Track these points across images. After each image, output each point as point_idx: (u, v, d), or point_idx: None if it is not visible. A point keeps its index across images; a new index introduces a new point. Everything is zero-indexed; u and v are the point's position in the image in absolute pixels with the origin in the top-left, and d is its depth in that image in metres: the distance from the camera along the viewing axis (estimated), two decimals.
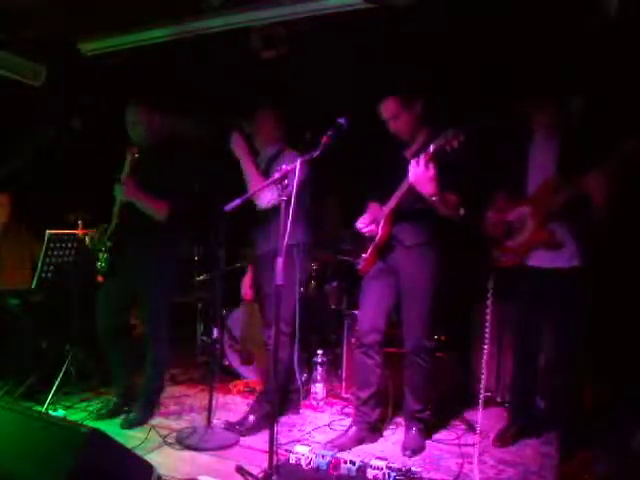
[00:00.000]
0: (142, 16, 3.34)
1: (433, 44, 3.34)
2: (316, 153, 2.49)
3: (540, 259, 2.72)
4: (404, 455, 2.81)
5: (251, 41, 3.45)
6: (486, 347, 2.90)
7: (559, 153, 2.68)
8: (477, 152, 2.80)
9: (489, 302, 2.85)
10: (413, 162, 2.55)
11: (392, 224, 2.81)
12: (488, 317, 2.86)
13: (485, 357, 2.91)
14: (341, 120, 2.52)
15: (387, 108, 2.78)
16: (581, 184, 2.48)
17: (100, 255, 3.16)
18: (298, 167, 2.46)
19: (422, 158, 2.52)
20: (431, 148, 2.50)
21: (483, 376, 2.89)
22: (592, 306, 2.66)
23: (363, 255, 2.91)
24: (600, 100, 2.97)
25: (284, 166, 2.54)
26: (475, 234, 3.12)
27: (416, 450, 2.84)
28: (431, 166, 2.51)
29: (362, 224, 2.89)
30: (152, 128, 3.17)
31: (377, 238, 2.82)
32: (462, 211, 2.72)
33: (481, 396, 2.87)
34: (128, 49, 3.61)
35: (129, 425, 3.07)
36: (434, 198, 2.56)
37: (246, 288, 3.56)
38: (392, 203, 2.76)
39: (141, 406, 3.18)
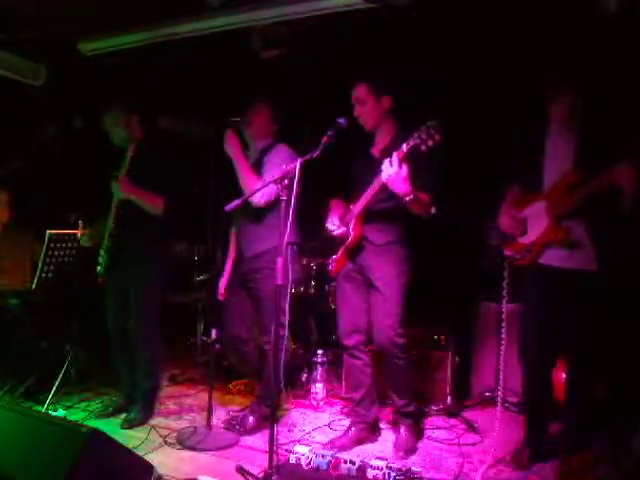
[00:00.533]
0: (142, 16, 3.34)
1: (433, 44, 3.34)
2: (316, 153, 2.48)
3: (552, 257, 2.59)
4: (396, 457, 2.77)
5: (251, 41, 3.45)
6: (502, 347, 2.82)
7: (577, 146, 2.56)
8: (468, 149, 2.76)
9: (504, 301, 2.75)
10: (386, 161, 2.51)
11: (362, 224, 2.79)
12: (504, 317, 2.77)
13: (502, 357, 2.83)
14: (341, 120, 2.52)
15: (357, 91, 2.79)
16: (611, 175, 2.34)
17: (100, 258, 3.18)
18: (298, 167, 2.45)
19: (395, 157, 2.48)
20: (404, 147, 2.46)
21: (501, 376, 2.82)
22: (602, 309, 2.58)
23: (333, 257, 2.90)
24: (619, 91, 2.91)
25: (284, 166, 2.54)
26: (478, 233, 3.11)
27: (408, 451, 2.81)
28: (404, 165, 2.47)
29: (334, 226, 2.86)
30: (131, 129, 3.20)
31: (349, 239, 2.79)
32: (433, 210, 2.69)
33: (499, 394, 2.83)
34: (128, 49, 3.62)
35: (130, 425, 3.08)
36: (408, 198, 2.54)
37: (222, 289, 3.32)
38: (362, 202, 2.74)
39: (141, 406, 3.19)
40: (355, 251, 2.84)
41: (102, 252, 3.16)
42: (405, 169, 2.47)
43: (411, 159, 2.49)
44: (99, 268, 3.18)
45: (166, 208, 3.08)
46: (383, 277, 2.77)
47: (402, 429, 2.90)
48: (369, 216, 2.77)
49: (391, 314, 2.76)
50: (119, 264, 3.15)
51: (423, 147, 2.41)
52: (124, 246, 3.13)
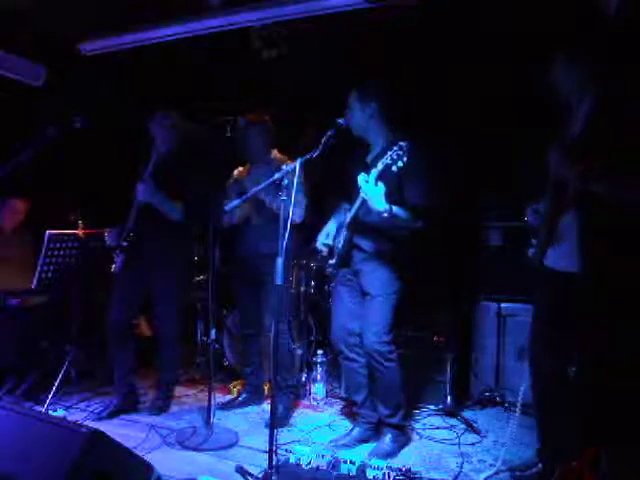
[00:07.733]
0: (142, 16, 3.35)
1: (433, 44, 3.34)
2: (315, 153, 2.49)
3: (550, 258, 2.30)
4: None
5: (251, 41, 3.46)
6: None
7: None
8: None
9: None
10: (362, 176, 2.49)
11: (353, 231, 2.79)
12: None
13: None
14: (341, 120, 2.52)
15: (348, 98, 2.77)
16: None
17: (116, 257, 3.19)
18: (298, 167, 2.45)
19: (372, 174, 2.47)
20: (379, 166, 2.46)
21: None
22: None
23: (330, 261, 2.91)
24: None
25: (283, 166, 2.55)
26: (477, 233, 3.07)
27: (382, 457, 2.71)
28: (380, 183, 2.46)
29: (322, 245, 2.94)
30: (172, 133, 3.29)
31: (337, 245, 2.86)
32: (420, 223, 2.67)
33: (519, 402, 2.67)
34: (128, 49, 3.62)
35: (159, 411, 3.31)
36: (384, 214, 2.52)
37: None
38: (352, 212, 2.74)
39: (164, 396, 3.41)
40: (349, 256, 2.86)
41: (118, 252, 3.17)
42: (381, 187, 2.47)
43: (391, 175, 2.48)
44: (115, 266, 3.19)
45: (185, 215, 3.18)
46: (372, 284, 2.79)
47: (387, 437, 2.84)
48: (359, 225, 2.77)
49: (376, 321, 2.75)
50: (136, 265, 3.19)
51: (394, 167, 2.43)
52: (142, 248, 3.17)
